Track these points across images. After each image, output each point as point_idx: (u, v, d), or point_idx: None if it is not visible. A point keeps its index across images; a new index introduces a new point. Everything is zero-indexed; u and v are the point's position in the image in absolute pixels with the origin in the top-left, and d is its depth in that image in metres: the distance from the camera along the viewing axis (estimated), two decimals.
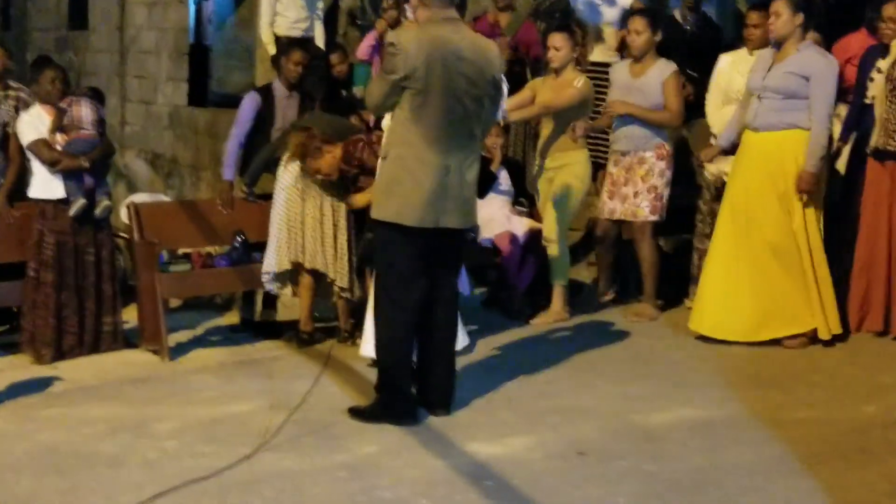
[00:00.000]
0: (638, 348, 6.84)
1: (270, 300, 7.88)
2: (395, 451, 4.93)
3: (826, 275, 6.64)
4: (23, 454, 5.01)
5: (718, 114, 7.52)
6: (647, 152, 7.36)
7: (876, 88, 6.87)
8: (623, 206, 7.44)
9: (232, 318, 8.57)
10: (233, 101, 8.99)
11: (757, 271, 6.68)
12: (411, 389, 5.38)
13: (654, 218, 7.42)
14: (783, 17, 6.52)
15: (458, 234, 5.50)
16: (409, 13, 9.54)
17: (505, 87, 6.83)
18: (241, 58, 15.50)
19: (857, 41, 7.36)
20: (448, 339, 5.53)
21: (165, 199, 9.48)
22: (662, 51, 7.49)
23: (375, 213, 5.34)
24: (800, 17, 6.51)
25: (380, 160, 5.47)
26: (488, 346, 6.78)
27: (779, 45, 6.64)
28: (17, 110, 7.55)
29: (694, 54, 8.31)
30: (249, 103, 7.71)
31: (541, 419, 5.39)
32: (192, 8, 12.00)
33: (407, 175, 5.23)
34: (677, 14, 8.96)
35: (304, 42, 9.34)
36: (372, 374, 5.67)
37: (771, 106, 6.59)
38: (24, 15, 15.56)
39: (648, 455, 4.86)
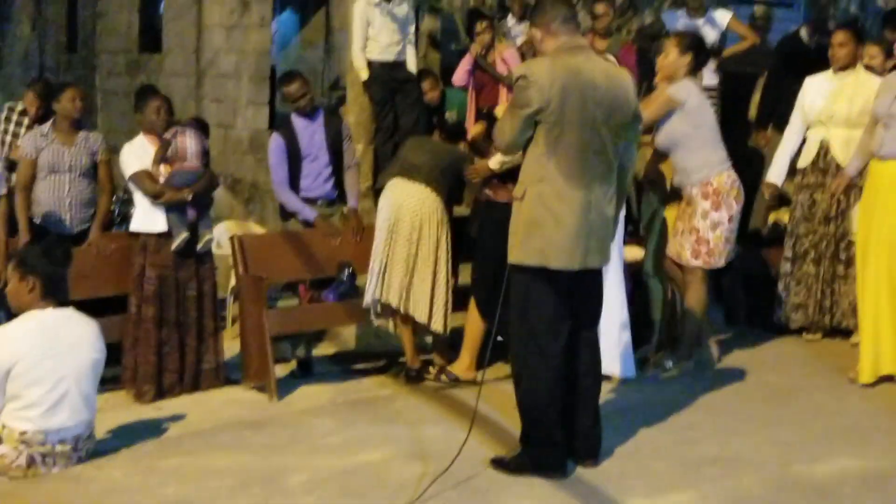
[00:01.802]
0: (770, 387, 6.51)
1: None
2: None
3: None
4: None
5: (788, 137, 7.33)
6: (693, 188, 6.65)
7: None
8: (672, 239, 6.85)
9: (326, 348, 8.32)
10: None
11: None
12: (560, 440, 5.05)
13: (696, 263, 6.65)
14: None
15: (598, 274, 5.20)
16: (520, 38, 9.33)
17: None
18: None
19: None
20: (593, 385, 5.21)
21: (256, 228, 9.21)
22: (784, 67, 7.14)
23: (516, 258, 5.00)
24: None
25: (514, 201, 5.16)
26: (606, 385, 6.35)
27: None
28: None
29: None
30: (275, 147, 7.52)
31: (696, 470, 5.06)
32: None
33: (548, 214, 4.92)
34: (803, 32, 8.75)
35: (395, 65, 9.13)
36: (507, 420, 5.37)
37: None
38: (92, 36, 15.16)
39: None
